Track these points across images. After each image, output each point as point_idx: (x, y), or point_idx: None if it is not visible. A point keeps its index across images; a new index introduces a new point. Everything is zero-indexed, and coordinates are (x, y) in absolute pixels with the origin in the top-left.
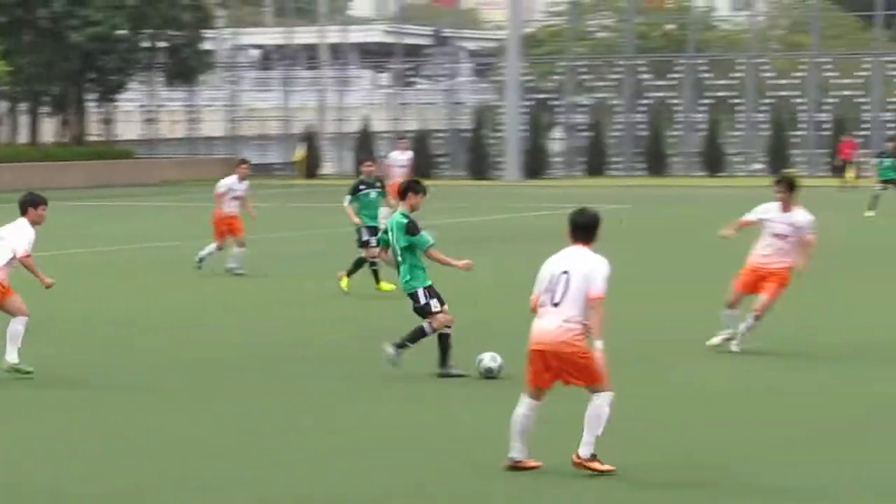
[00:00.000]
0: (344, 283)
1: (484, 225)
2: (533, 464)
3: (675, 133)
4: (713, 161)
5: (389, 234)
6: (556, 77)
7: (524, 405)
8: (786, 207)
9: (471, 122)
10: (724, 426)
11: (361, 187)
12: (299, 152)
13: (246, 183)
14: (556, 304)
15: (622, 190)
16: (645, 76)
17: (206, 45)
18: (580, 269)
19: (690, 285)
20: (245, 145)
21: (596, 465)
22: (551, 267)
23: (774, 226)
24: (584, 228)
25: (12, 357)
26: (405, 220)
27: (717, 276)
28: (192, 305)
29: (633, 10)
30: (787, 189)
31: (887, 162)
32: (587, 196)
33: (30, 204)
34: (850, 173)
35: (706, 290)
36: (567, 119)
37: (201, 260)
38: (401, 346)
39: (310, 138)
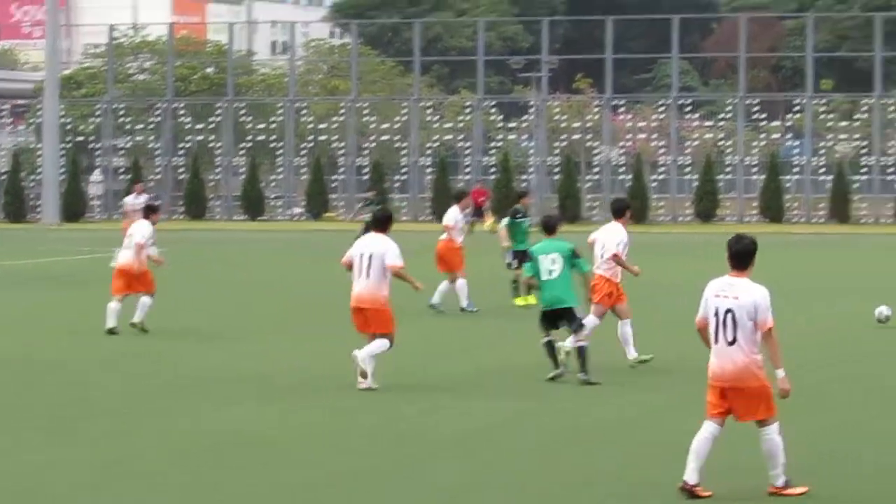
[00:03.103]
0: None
1: (25, 268)
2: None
3: (215, 177)
4: (253, 205)
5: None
6: (94, 119)
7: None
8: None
9: (8, 164)
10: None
11: None
12: None
13: None
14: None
15: (163, 234)
16: (185, 119)
17: None
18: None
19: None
20: None
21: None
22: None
23: None
24: (739, 256)
25: None
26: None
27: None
28: None
29: (172, 53)
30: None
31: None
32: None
33: None
34: (488, 220)
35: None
36: (106, 162)
37: None
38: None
39: None
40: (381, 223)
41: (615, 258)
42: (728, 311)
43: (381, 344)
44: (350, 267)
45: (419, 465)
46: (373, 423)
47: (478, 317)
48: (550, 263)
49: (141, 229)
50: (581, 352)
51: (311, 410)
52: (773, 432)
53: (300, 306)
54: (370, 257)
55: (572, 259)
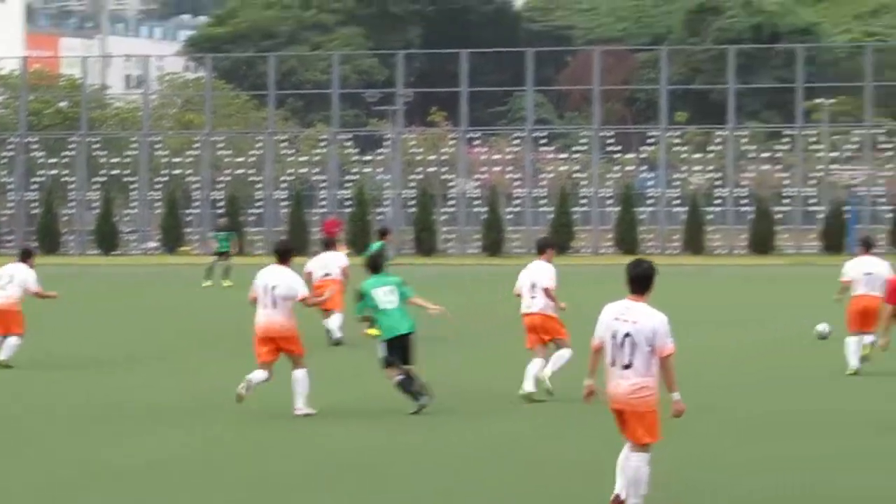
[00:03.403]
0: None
1: None
2: None
3: (68, 211)
4: (107, 239)
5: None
6: None
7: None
8: None
9: None
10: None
11: None
12: None
13: None
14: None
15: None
16: (38, 154)
17: None
18: None
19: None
20: None
21: None
22: None
23: None
24: (639, 280)
25: None
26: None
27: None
28: None
29: (25, 87)
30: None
31: (222, 235)
32: None
33: None
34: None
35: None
36: None
37: None
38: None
39: None
40: (283, 255)
41: (547, 293)
42: (626, 334)
43: (305, 380)
44: (255, 301)
45: (286, 497)
46: (243, 452)
47: (340, 348)
48: (387, 294)
49: (23, 273)
50: (404, 379)
51: (179, 440)
52: (643, 460)
53: (164, 338)
54: (273, 288)
55: (401, 288)
